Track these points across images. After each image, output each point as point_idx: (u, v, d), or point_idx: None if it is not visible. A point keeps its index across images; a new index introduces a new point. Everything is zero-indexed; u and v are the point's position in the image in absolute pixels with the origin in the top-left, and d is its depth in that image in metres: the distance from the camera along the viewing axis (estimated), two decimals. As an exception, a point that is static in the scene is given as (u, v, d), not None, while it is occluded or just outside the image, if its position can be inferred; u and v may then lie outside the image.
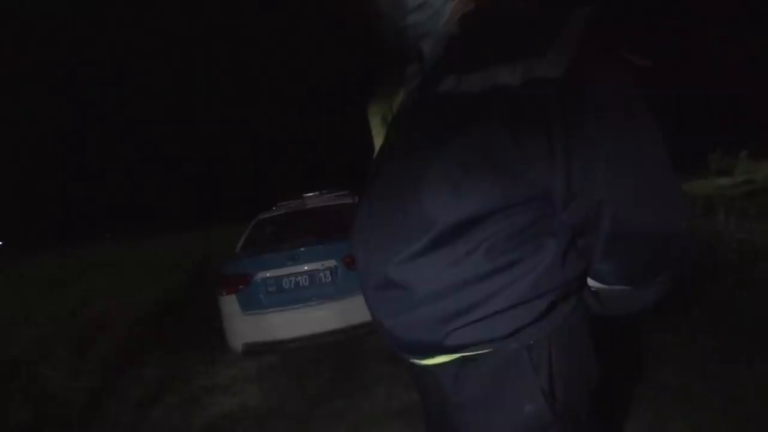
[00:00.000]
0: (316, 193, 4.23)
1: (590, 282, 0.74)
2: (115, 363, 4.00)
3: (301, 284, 3.00)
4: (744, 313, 2.68)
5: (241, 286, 3.01)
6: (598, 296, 0.76)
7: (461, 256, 0.67)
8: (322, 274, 3.01)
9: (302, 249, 3.03)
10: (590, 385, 0.76)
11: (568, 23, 0.63)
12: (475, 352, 0.70)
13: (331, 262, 3.02)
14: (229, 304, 3.03)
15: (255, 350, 3.02)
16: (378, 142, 0.89)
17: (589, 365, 0.77)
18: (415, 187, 0.69)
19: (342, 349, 3.31)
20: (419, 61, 0.80)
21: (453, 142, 0.67)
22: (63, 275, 10.74)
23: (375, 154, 0.87)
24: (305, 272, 3.01)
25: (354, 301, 2.96)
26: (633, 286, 0.72)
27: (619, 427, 1.92)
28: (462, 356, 0.72)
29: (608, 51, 0.64)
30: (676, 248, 0.67)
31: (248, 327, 2.99)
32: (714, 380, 2.13)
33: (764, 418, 1.84)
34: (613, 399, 2.10)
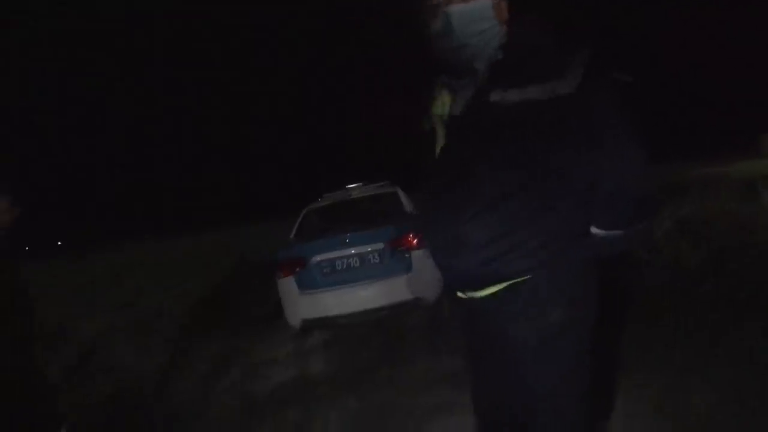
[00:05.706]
0: (359, 184, 4.52)
1: (592, 229, 1.05)
2: (178, 344, 4.35)
3: (352, 265, 3.27)
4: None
5: (297, 269, 3.30)
6: (595, 239, 1.06)
7: (508, 214, 0.98)
8: (371, 256, 3.28)
9: (352, 234, 3.29)
10: (591, 317, 1.06)
11: (577, 55, 0.94)
12: (515, 280, 1.00)
13: (379, 245, 3.27)
14: (288, 284, 3.34)
15: (311, 325, 3.30)
16: (441, 136, 1.16)
17: (592, 295, 1.06)
18: (471, 168, 1.01)
19: (387, 325, 3.53)
20: (472, 76, 1.05)
21: (499, 137, 0.99)
22: (113, 272, 11.45)
23: (440, 146, 1.15)
24: (356, 255, 3.29)
25: (399, 281, 3.22)
26: (623, 230, 1.04)
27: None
28: (505, 286, 1.01)
29: (603, 73, 0.95)
30: (650, 204, 1.05)
31: (305, 304, 3.29)
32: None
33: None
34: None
